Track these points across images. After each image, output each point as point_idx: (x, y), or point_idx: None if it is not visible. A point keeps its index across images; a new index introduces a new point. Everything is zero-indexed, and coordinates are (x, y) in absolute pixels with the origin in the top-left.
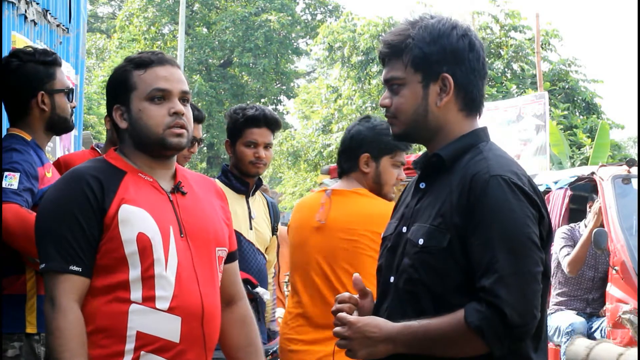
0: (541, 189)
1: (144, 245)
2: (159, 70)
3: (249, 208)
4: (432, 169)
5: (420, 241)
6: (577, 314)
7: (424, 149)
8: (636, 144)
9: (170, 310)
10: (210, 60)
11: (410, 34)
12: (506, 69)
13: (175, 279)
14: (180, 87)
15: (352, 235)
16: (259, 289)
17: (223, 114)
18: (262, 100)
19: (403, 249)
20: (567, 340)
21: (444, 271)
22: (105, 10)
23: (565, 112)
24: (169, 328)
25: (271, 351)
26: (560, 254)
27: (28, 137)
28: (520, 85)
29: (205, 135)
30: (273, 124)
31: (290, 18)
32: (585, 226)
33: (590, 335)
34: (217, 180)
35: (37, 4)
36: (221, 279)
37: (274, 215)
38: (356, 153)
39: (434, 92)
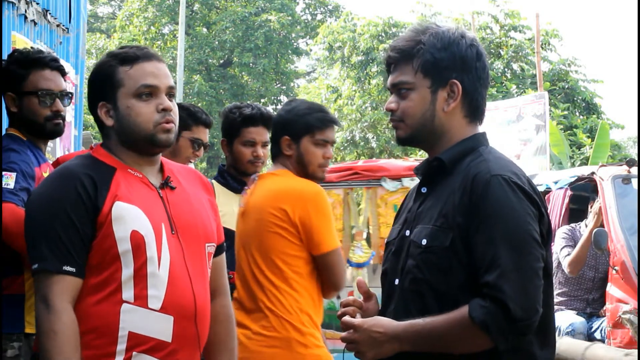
0: (541, 189)
1: (138, 243)
2: (145, 66)
3: None
4: (433, 173)
5: (424, 242)
6: (577, 314)
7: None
8: (636, 144)
9: (163, 309)
10: (210, 60)
11: (422, 40)
12: (506, 69)
13: (168, 277)
14: (167, 82)
15: (260, 214)
16: None
17: None
18: (262, 100)
19: (407, 252)
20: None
21: (447, 270)
22: (105, 10)
23: (565, 112)
24: (161, 328)
25: None
26: (561, 254)
27: (24, 137)
28: (520, 85)
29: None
30: (269, 122)
31: (290, 18)
32: (586, 226)
33: (590, 336)
34: (213, 181)
35: (37, 4)
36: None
37: None
38: (278, 137)
39: (441, 98)
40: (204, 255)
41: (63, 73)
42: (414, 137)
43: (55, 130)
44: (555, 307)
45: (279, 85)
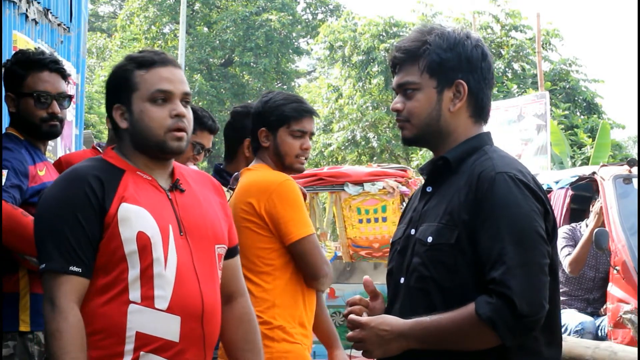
0: None
1: (144, 244)
2: (161, 71)
3: None
4: (438, 172)
5: (429, 239)
6: (582, 314)
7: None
8: (636, 144)
9: (169, 309)
10: (211, 60)
11: (428, 40)
12: (507, 69)
13: (174, 278)
14: (182, 88)
15: (233, 209)
16: None
17: (224, 114)
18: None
19: (412, 250)
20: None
21: (453, 267)
22: (106, 9)
23: (566, 112)
24: (168, 328)
25: None
26: (562, 254)
27: (21, 137)
28: (521, 85)
29: None
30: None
31: (291, 17)
32: (587, 226)
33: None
34: None
35: (38, 3)
36: (221, 275)
37: None
38: (256, 129)
39: (447, 98)
40: (213, 256)
41: (64, 75)
42: (419, 137)
43: (50, 131)
44: None
45: (279, 84)
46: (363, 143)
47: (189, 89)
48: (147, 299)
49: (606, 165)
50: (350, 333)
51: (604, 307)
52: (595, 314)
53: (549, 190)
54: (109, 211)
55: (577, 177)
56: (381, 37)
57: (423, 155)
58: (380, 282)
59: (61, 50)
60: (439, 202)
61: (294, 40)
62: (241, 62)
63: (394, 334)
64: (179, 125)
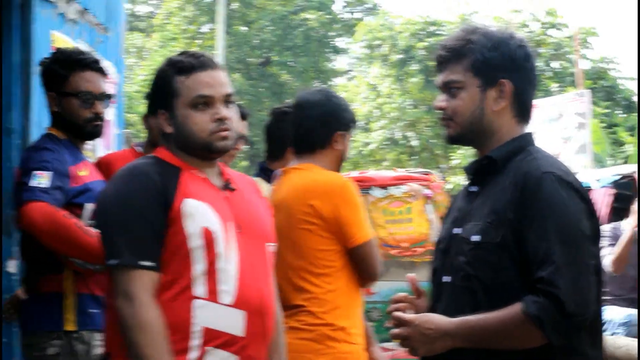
0: None
1: (208, 239)
2: (201, 76)
3: None
4: (483, 172)
5: (475, 238)
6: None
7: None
8: None
9: (234, 304)
10: (249, 59)
11: (472, 39)
12: (546, 67)
13: (237, 273)
14: (222, 91)
15: (289, 211)
16: None
17: (263, 113)
18: None
19: (457, 249)
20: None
21: (499, 266)
22: (144, 9)
23: (606, 110)
24: (233, 322)
25: None
26: (603, 253)
27: (61, 136)
28: (561, 84)
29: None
30: None
31: (328, 16)
32: (628, 225)
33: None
34: (259, 179)
35: (77, 3)
36: None
37: None
38: (333, 131)
39: (491, 97)
40: (266, 253)
41: (104, 74)
42: (463, 136)
43: (94, 131)
44: None
45: (318, 83)
46: (402, 142)
47: (231, 88)
48: (212, 294)
49: None
50: (395, 330)
51: None
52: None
53: (589, 189)
54: (173, 206)
55: (620, 176)
56: (419, 35)
57: (463, 155)
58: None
59: (100, 50)
60: (484, 201)
61: (331, 39)
62: (280, 62)
63: (439, 333)
64: (222, 127)
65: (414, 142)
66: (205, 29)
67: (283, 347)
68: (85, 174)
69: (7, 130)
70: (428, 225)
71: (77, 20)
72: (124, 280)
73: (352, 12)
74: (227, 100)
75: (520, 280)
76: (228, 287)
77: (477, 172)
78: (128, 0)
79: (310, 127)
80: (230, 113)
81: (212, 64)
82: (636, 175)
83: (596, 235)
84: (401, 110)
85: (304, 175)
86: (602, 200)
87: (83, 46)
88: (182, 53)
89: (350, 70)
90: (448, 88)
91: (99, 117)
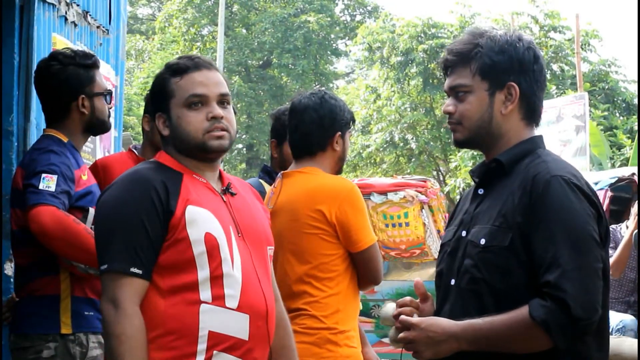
0: None
1: (212, 245)
2: (195, 76)
3: None
4: (490, 175)
5: (482, 241)
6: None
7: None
8: None
9: (239, 308)
10: (249, 62)
11: (479, 42)
12: (546, 70)
13: (241, 277)
14: (217, 90)
15: (295, 215)
16: None
17: (262, 115)
18: None
19: (464, 252)
20: (617, 337)
21: (506, 269)
22: (145, 11)
23: (606, 113)
24: (239, 326)
25: None
26: None
27: (64, 139)
28: (560, 86)
29: (244, 136)
30: None
31: (329, 19)
32: (627, 227)
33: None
34: (261, 181)
35: (78, 5)
36: None
37: None
38: (331, 133)
39: (499, 100)
40: (267, 257)
41: None
42: (471, 140)
43: (110, 126)
44: None
45: (318, 86)
46: (401, 144)
47: (228, 89)
48: (218, 299)
49: None
50: (401, 334)
51: None
52: (636, 316)
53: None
54: (175, 213)
55: (616, 179)
56: (420, 38)
57: (462, 157)
58: (417, 278)
59: (100, 53)
60: (491, 204)
61: (332, 42)
62: (279, 64)
63: (445, 336)
64: (217, 126)
65: (413, 145)
66: (205, 31)
67: (294, 352)
68: (87, 177)
69: (7, 132)
70: (423, 228)
71: (77, 22)
72: (113, 286)
73: (352, 15)
74: (222, 100)
75: (527, 284)
76: (233, 292)
77: (484, 175)
78: (129, 3)
79: (307, 131)
80: (227, 113)
81: (207, 65)
82: (636, 177)
83: (604, 239)
84: (400, 112)
85: (310, 179)
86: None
87: (84, 49)
88: (180, 57)
89: (350, 73)
90: (456, 92)
91: (109, 112)
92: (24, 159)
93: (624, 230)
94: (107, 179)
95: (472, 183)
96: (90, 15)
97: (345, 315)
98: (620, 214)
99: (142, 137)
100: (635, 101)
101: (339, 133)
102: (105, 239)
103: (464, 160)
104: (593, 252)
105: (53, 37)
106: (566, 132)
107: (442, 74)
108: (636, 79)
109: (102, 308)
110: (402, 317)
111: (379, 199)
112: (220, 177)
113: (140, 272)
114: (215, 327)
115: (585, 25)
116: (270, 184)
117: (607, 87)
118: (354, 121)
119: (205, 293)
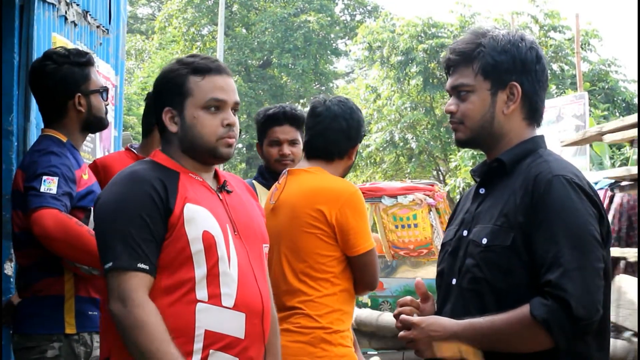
0: None
1: (209, 244)
2: (217, 79)
3: None
4: (492, 174)
5: (484, 241)
6: None
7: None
8: None
9: (235, 307)
10: (249, 61)
11: (482, 42)
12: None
13: (237, 276)
14: (234, 98)
15: (295, 213)
16: None
17: None
18: (302, 100)
19: (465, 251)
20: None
21: (507, 269)
22: (145, 11)
23: (605, 113)
24: (235, 325)
25: None
26: None
27: (64, 138)
28: (560, 86)
29: (245, 136)
30: (294, 120)
31: (329, 19)
32: None
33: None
34: (254, 182)
35: (77, 5)
36: None
37: None
38: (356, 144)
39: (501, 100)
40: (262, 255)
41: None
42: (473, 139)
43: (107, 123)
44: None
45: (318, 85)
46: (401, 144)
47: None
48: (214, 297)
49: None
50: (402, 333)
51: None
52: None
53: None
54: (173, 211)
55: (614, 179)
56: (420, 37)
57: (462, 157)
58: (419, 277)
59: (100, 52)
60: (493, 204)
61: (332, 42)
62: (279, 64)
63: (446, 335)
64: (230, 134)
65: (413, 144)
66: (205, 31)
67: (278, 349)
68: (87, 177)
69: (7, 132)
70: (431, 230)
71: (77, 22)
72: (119, 283)
73: (352, 15)
74: (234, 108)
75: (528, 284)
76: (230, 290)
77: (486, 175)
78: (129, 3)
79: (335, 139)
80: (237, 122)
81: (227, 71)
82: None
83: (605, 239)
84: (400, 112)
85: (313, 178)
86: None
87: (83, 49)
88: (194, 55)
89: (350, 73)
90: (458, 92)
91: (106, 109)
92: (24, 160)
93: None
94: (108, 178)
95: (473, 183)
96: (90, 15)
97: (340, 316)
98: None
99: (141, 136)
100: (635, 101)
101: (358, 144)
102: (107, 237)
103: (464, 160)
104: (594, 252)
105: (53, 36)
106: (566, 132)
107: (442, 73)
108: (636, 78)
109: (111, 308)
110: (403, 316)
111: (390, 201)
112: (216, 175)
113: (147, 267)
114: (212, 326)
115: (585, 25)
116: (263, 184)
117: (607, 86)
118: (365, 134)
119: (201, 292)
